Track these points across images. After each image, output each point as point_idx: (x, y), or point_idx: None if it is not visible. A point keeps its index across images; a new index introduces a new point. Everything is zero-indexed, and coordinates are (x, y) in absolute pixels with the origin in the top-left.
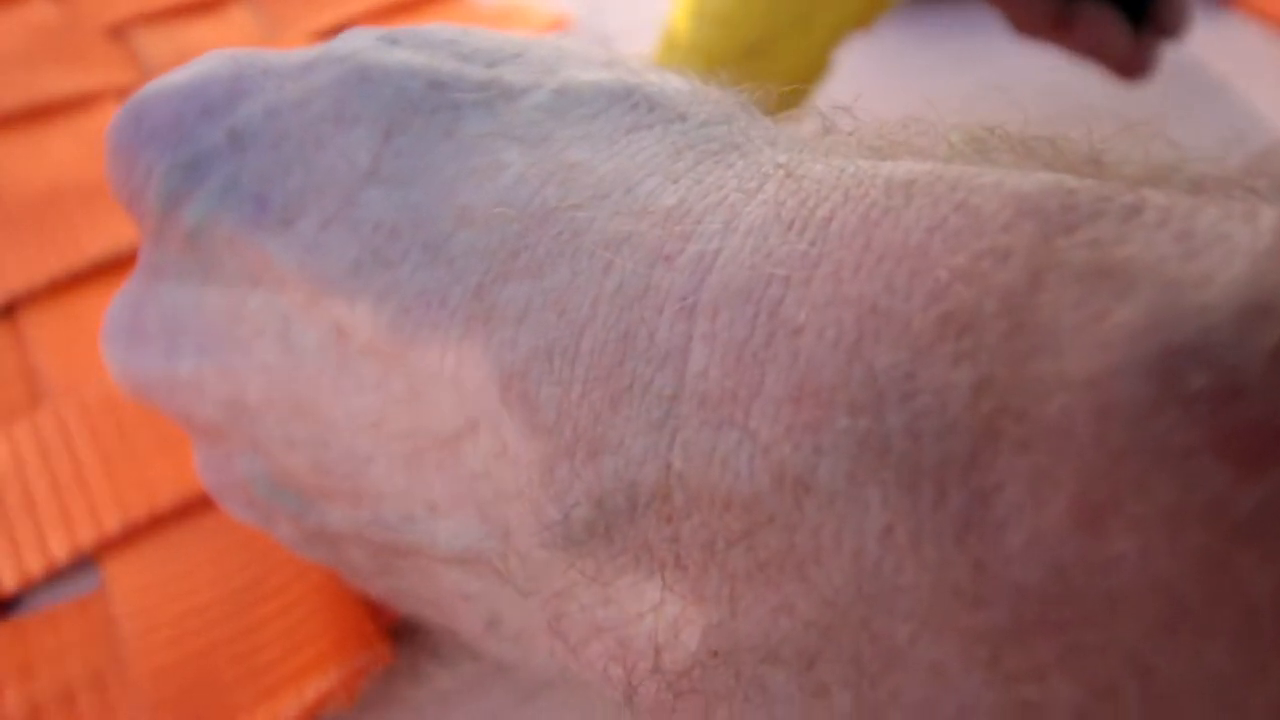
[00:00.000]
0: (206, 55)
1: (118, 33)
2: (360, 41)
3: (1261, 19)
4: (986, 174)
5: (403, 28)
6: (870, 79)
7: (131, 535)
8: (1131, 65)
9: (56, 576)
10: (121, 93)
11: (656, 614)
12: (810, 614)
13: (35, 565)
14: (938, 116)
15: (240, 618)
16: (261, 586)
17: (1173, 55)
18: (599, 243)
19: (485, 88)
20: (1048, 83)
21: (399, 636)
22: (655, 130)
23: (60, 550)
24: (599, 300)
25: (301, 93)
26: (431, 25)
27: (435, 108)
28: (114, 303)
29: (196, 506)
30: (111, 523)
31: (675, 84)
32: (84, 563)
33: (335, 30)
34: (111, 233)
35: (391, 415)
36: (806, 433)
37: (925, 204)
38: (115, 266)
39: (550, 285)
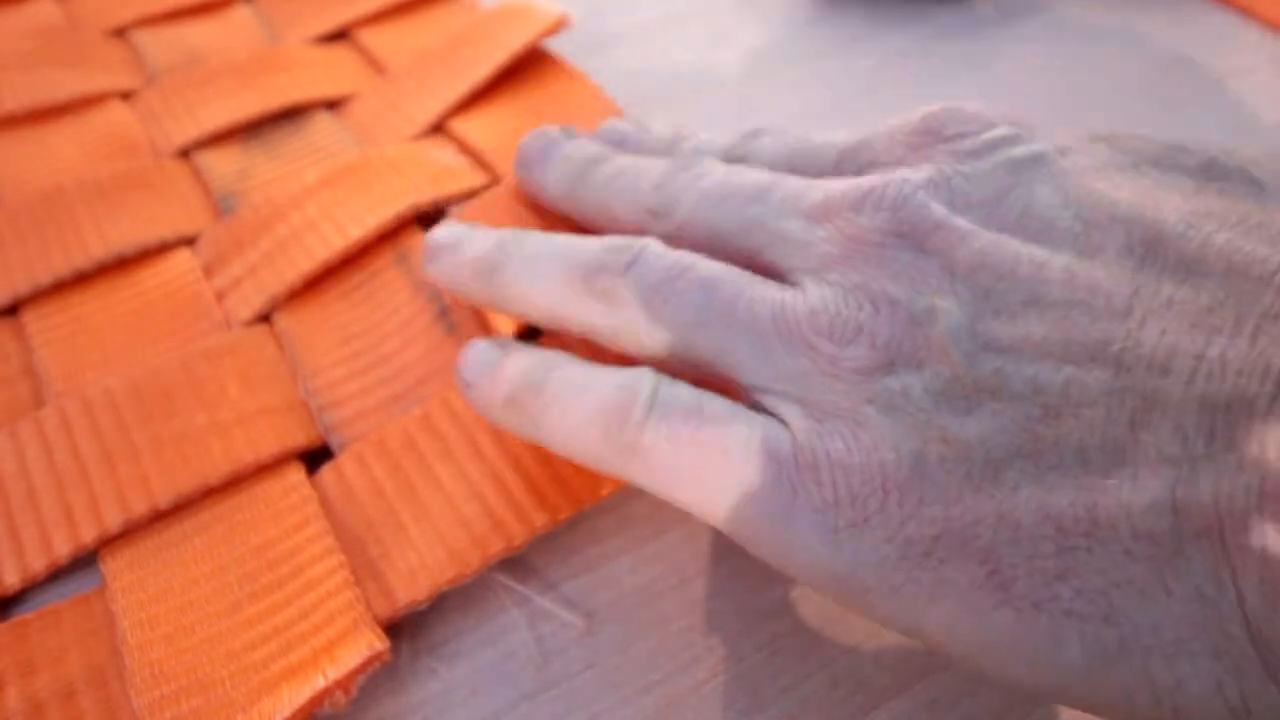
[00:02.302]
0: None
1: (120, 34)
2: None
3: (1257, 17)
4: None
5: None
6: (876, 80)
7: (132, 532)
8: None
9: (58, 574)
10: (124, 95)
11: None
12: None
13: (38, 562)
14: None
15: (237, 614)
16: (259, 583)
17: (1169, 54)
18: None
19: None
20: (1049, 82)
21: (398, 634)
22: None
23: (63, 548)
24: None
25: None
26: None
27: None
28: None
29: (196, 504)
30: (112, 520)
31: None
32: (85, 560)
33: (338, 32)
34: (114, 233)
35: None
36: None
37: None
38: (118, 266)
39: None
